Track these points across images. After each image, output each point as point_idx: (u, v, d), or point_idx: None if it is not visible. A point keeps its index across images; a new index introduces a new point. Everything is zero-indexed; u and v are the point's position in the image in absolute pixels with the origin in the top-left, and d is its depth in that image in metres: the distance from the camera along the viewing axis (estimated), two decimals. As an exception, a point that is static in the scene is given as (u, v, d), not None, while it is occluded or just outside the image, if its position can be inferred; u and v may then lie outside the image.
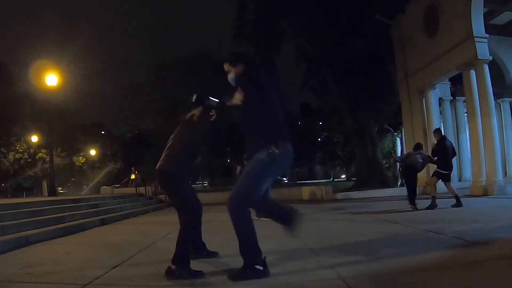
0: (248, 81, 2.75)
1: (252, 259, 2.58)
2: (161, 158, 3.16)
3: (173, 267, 2.71)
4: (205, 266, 3.07)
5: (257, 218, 6.55)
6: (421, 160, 7.18)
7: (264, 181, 2.71)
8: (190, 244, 2.96)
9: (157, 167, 3.14)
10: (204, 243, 3.43)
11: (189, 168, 3.19)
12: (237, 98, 2.72)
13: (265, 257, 2.65)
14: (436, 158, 7.20)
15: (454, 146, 7.60)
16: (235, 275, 2.58)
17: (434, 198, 6.90)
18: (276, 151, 2.61)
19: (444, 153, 7.08)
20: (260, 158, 2.63)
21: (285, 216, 2.77)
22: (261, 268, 2.59)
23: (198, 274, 2.73)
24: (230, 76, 2.88)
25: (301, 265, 2.94)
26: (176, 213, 3.17)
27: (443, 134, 7.70)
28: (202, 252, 3.36)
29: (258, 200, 2.75)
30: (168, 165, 3.08)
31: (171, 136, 3.28)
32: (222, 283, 2.55)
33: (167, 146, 3.21)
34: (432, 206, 6.81)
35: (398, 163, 19.43)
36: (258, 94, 2.70)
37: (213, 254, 3.36)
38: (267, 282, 2.52)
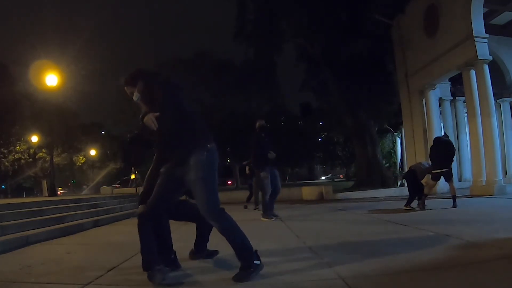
0: (155, 90, 2.70)
1: (250, 257, 2.61)
2: None
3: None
4: (206, 266, 3.07)
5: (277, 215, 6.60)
6: (426, 165, 7.27)
7: (216, 179, 2.71)
8: (147, 247, 2.77)
9: None
10: (205, 244, 3.42)
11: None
12: (149, 117, 2.59)
13: (256, 250, 2.68)
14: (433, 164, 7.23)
15: (446, 141, 7.32)
16: (239, 277, 2.56)
17: (425, 196, 6.97)
18: (211, 146, 2.66)
19: (434, 155, 7.17)
20: (202, 160, 2.61)
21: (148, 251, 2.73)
22: (258, 262, 2.62)
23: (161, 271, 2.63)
24: (136, 97, 2.76)
25: (301, 264, 2.94)
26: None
27: (440, 136, 7.73)
28: (203, 252, 3.36)
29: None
30: None
31: None
32: (224, 283, 2.55)
33: None
34: (422, 203, 6.90)
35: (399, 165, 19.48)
36: (170, 98, 2.69)
37: (213, 254, 3.36)
38: (268, 282, 2.52)
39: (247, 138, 7.32)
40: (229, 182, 43.13)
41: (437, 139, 7.44)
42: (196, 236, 3.40)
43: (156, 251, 2.74)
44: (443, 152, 7.02)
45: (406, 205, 7.04)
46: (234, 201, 11.54)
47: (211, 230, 3.32)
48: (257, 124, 6.79)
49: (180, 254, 3.17)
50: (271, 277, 2.62)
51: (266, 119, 7.20)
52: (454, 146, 7.45)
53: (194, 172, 2.61)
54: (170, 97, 2.70)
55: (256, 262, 2.61)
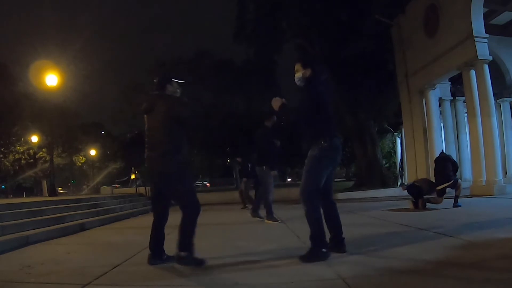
0: (312, 86, 3.24)
1: (319, 244, 3.04)
2: (153, 158, 3.13)
3: (183, 254, 2.95)
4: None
5: (263, 218, 6.45)
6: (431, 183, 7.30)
7: (321, 174, 3.19)
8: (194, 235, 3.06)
9: (153, 168, 3.14)
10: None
11: (185, 160, 3.23)
12: (279, 100, 3.31)
13: (344, 238, 3.27)
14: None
15: (443, 157, 7.41)
16: (304, 257, 3.00)
17: (427, 199, 7.02)
18: (325, 145, 3.12)
19: (436, 173, 7.26)
20: (312, 155, 3.17)
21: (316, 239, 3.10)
22: (325, 250, 3.04)
23: (202, 261, 2.98)
24: (298, 75, 3.33)
25: (301, 265, 2.94)
26: (175, 213, 3.16)
27: (440, 153, 7.80)
28: (163, 255, 3.21)
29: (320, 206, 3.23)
30: (166, 165, 3.09)
31: (148, 133, 3.22)
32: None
33: (151, 145, 3.17)
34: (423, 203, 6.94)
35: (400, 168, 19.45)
36: (316, 99, 3.20)
37: (171, 259, 3.13)
38: (269, 282, 2.53)
39: (248, 138, 7.21)
40: None
41: (436, 158, 7.57)
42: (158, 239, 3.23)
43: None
44: (442, 168, 7.11)
45: (415, 206, 7.06)
46: (235, 201, 11.54)
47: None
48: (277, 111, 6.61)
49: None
50: (272, 277, 2.62)
51: (265, 119, 6.98)
52: (455, 159, 7.56)
53: (306, 164, 3.22)
54: (314, 100, 3.20)
55: (324, 250, 3.03)
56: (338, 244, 3.30)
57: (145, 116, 3.28)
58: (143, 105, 3.30)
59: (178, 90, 3.33)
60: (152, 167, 3.17)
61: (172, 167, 3.06)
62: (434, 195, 7.06)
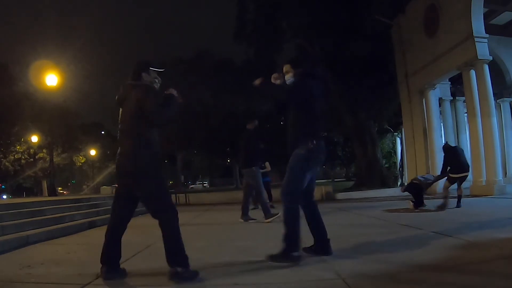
0: (301, 88, 3.14)
1: (291, 246, 2.92)
2: (121, 154, 2.86)
3: (180, 269, 2.56)
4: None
5: (255, 219, 6.47)
6: (431, 178, 7.24)
7: (306, 175, 3.12)
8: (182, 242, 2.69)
9: (120, 164, 2.86)
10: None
11: (157, 157, 2.85)
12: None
13: (329, 240, 3.18)
14: (448, 168, 7.09)
15: (460, 148, 7.40)
16: (273, 257, 2.91)
17: (446, 198, 6.79)
18: (312, 146, 3.06)
19: (452, 160, 7.08)
20: (300, 154, 3.08)
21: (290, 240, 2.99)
22: (297, 254, 2.95)
23: (197, 273, 2.64)
24: (288, 76, 3.25)
25: (301, 265, 2.94)
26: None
27: (445, 143, 7.72)
28: (119, 269, 2.81)
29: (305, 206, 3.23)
30: (134, 160, 2.78)
31: (119, 127, 2.92)
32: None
33: (120, 139, 2.91)
34: (444, 206, 6.70)
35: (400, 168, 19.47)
36: (305, 100, 3.12)
37: (124, 273, 2.81)
38: (267, 282, 2.52)
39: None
40: None
41: (450, 147, 7.39)
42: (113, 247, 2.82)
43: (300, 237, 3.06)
44: (460, 157, 7.02)
45: (415, 207, 7.02)
46: (235, 201, 11.53)
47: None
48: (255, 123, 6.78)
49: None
50: (272, 276, 2.62)
51: (266, 119, 7.09)
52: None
53: (290, 160, 3.14)
54: (299, 100, 3.13)
55: (295, 253, 2.93)
56: (324, 246, 3.20)
57: (120, 109, 2.93)
58: (116, 96, 2.94)
59: (156, 80, 2.95)
60: (119, 162, 2.85)
61: (141, 162, 2.72)
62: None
